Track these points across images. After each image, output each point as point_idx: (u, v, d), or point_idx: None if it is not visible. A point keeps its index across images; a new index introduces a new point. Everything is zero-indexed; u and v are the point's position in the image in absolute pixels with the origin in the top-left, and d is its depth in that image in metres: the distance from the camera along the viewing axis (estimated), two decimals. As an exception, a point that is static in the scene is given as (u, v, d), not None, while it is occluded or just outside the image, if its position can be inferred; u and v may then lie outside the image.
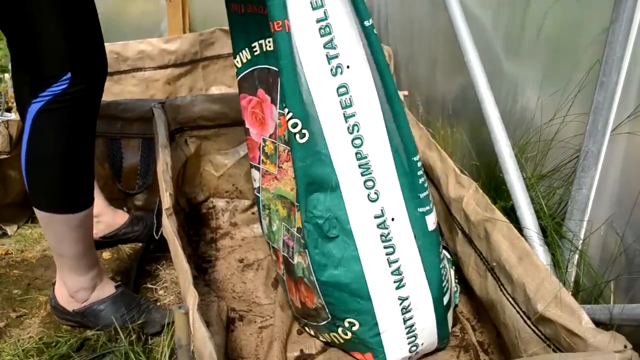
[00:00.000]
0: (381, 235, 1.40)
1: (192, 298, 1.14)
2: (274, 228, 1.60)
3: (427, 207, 1.47)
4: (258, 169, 1.63)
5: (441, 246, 1.52)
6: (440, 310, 1.49)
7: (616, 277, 1.31)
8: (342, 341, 1.51)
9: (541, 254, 1.40)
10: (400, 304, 1.43)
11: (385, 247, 1.41)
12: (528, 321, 1.27)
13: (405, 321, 1.44)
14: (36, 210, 1.53)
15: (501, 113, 1.63)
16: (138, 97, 2.64)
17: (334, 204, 1.40)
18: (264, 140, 1.59)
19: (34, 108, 1.42)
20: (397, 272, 1.42)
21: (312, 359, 1.52)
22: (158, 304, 1.81)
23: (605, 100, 1.33)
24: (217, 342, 1.42)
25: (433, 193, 1.79)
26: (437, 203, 1.77)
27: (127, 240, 2.10)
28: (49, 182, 1.49)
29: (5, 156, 2.06)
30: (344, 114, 1.37)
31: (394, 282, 1.42)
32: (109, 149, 2.14)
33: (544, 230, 1.47)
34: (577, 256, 1.43)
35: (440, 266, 1.49)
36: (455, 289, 1.66)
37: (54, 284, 1.71)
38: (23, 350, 1.59)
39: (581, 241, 1.43)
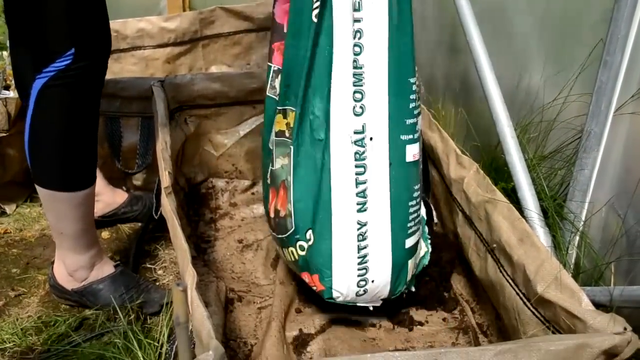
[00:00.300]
0: (355, 153, 1.38)
1: (190, 277, 1.13)
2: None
3: (411, 136, 1.43)
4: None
5: (417, 186, 1.49)
6: (399, 252, 1.45)
7: (617, 259, 1.31)
8: (296, 258, 1.48)
9: (542, 236, 1.39)
10: (358, 229, 1.40)
11: (356, 166, 1.39)
12: (528, 303, 1.27)
13: (359, 249, 1.41)
14: (38, 188, 1.53)
15: (503, 93, 1.62)
16: (137, 76, 2.62)
17: (322, 107, 1.39)
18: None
19: (38, 83, 1.41)
20: (362, 194, 1.39)
21: (311, 339, 1.51)
22: (157, 283, 1.81)
23: (609, 80, 1.31)
24: (216, 322, 1.42)
25: (434, 174, 1.78)
26: (438, 184, 1.76)
27: (126, 220, 2.10)
28: (52, 160, 1.49)
29: (4, 134, 2.05)
30: (352, 17, 1.35)
31: (357, 203, 1.39)
32: (108, 128, 2.13)
33: (545, 212, 1.46)
34: (577, 238, 1.42)
35: (410, 204, 1.45)
36: (426, 249, 1.62)
37: (52, 262, 1.71)
38: (22, 329, 1.59)
39: (582, 222, 1.42)
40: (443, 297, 1.62)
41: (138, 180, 2.22)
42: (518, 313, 1.30)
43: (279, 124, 1.48)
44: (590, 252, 1.39)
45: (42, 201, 1.56)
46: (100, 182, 1.98)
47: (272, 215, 1.56)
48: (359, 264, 1.43)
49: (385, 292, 1.48)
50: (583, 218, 1.43)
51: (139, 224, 2.08)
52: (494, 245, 1.41)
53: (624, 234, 1.31)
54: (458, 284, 1.67)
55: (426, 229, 1.65)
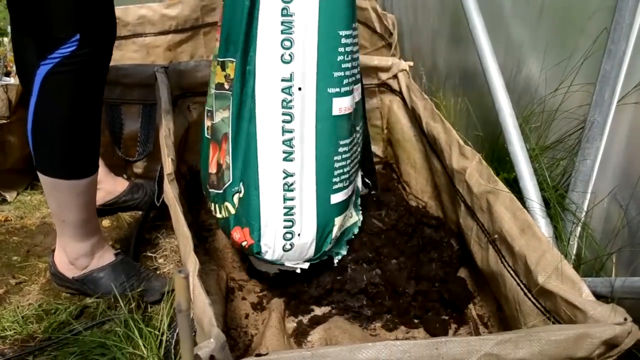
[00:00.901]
0: (283, 100, 1.40)
1: (192, 264, 1.13)
2: (211, 92, 1.59)
3: (338, 89, 1.44)
4: None
5: (345, 142, 1.50)
6: (325, 207, 1.49)
7: (618, 249, 1.30)
8: (231, 212, 1.51)
9: (543, 226, 1.39)
10: (284, 177, 1.43)
11: (283, 114, 1.41)
12: (528, 293, 1.27)
13: (285, 199, 1.45)
14: (40, 176, 1.52)
15: (505, 83, 1.61)
16: (139, 63, 2.61)
17: (253, 54, 1.42)
18: None
19: (42, 70, 1.41)
20: (288, 143, 1.42)
21: (311, 329, 1.51)
22: (158, 272, 1.81)
23: (613, 69, 1.30)
24: (216, 311, 1.42)
25: (436, 164, 1.78)
26: (441, 175, 1.76)
27: (127, 208, 2.10)
28: (55, 147, 1.48)
29: (5, 121, 2.05)
30: None
31: (283, 152, 1.42)
32: (109, 115, 2.12)
33: (546, 202, 1.46)
34: (579, 228, 1.42)
35: (335, 158, 1.47)
36: (357, 218, 1.66)
37: (53, 250, 1.71)
38: (22, 317, 1.59)
39: (584, 213, 1.42)
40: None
41: (139, 168, 2.22)
42: (519, 304, 1.30)
43: (218, 76, 1.51)
44: (592, 242, 1.39)
45: (44, 189, 1.56)
46: (101, 170, 1.97)
47: (213, 170, 1.58)
48: (285, 214, 1.46)
49: (311, 251, 1.51)
50: (585, 209, 1.42)
51: (140, 212, 2.08)
52: (496, 236, 1.40)
53: (625, 225, 1.30)
54: (460, 274, 1.67)
55: (359, 200, 1.68)
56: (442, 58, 2.30)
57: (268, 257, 1.49)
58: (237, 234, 1.50)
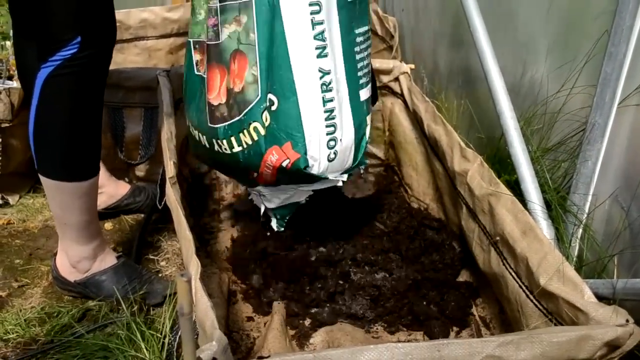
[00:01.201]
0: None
1: (194, 267, 1.13)
2: (200, 17, 1.46)
3: None
4: None
5: (361, 30, 1.43)
6: (357, 104, 1.42)
7: (620, 251, 1.30)
8: (260, 135, 1.39)
9: (545, 228, 1.39)
10: (321, 77, 1.34)
11: (310, 4, 1.31)
12: (530, 295, 1.27)
13: (324, 102, 1.35)
14: (42, 179, 1.53)
15: (507, 85, 1.61)
16: (141, 66, 2.61)
17: None
18: None
19: (43, 73, 1.41)
20: (320, 36, 1.33)
21: (313, 331, 1.51)
22: (160, 275, 1.81)
23: (614, 72, 1.30)
24: (218, 313, 1.42)
25: (438, 167, 1.78)
26: (442, 177, 1.76)
27: (129, 211, 2.10)
28: (57, 149, 1.49)
29: (7, 125, 2.06)
30: None
31: (316, 47, 1.33)
32: (111, 118, 2.13)
33: (548, 204, 1.46)
34: (581, 230, 1.42)
35: (356, 50, 1.41)
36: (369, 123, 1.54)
37: (55, 254, 1.71)
38: (25, 320, 1.60)
39: (585, 215, 1.42)
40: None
41: (141, 171, 2.22)
42: (521, 305, 1.30)
43: None
44: (594, 244, 1.39)
45: (46, 191, 1.56)
46: (103, 174, 1.98)
47: (221, 100, 1.43)
48: (326, 119, 1.37)
49: (351, 158, 1.45)
50: (586, 210, 1.42)
51: (142, 215, 2.08)
52: (497, 238, 1.40)
53: (627, 227, 1.30)
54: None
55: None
56: (443, 60, 2.30)
57: (314, 170, 1.39)
58: (273, 155, 1.38)
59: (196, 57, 1.50)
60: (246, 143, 1.42)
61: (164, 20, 2.68)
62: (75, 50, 1.39)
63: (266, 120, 1.38)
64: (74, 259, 1.66)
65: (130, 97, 2.12)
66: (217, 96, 1.45)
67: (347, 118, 1.41)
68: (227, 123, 1.43)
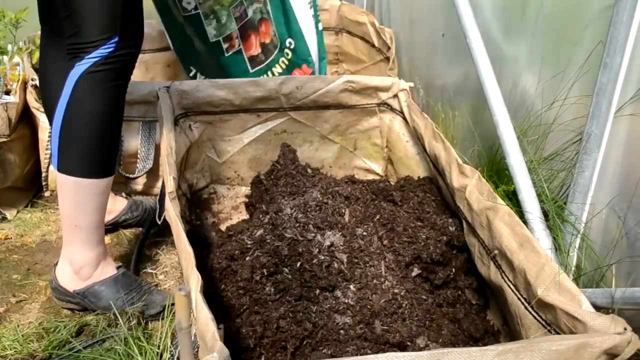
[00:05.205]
0: None
1: (195, 280, 1.13)
2: (223, 20, 2.48)
3: None
4: None
5: None
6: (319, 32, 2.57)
7: (617, 260, 1.31)
8: (287, 64, 2.56)
9: (543, 239, 1.40)
10: (315, 24, 2.52)
11: None
12: (529, 307, 1.27)
13: (318, 37, 2.55)
14: (63, 177, 1.56)
15: (502, 97, 1.62)
16: (138, 80, 2.62)
17: None
18: None
19: (78, 70, 1.50)
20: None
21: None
22: (158, 288, 1.80)
23: (609, 82, 1.31)
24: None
25: (440, 183, 1.78)
26: (444, 193, 1.77)
27: (127, 226, 2.10)
28: (84, 145, 1.55)
29: (5, 139, 2.06)
30: None
31: (310, 6, 2.48)
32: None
33: (545, 214, 1.46)
34: (579, 240, 1.43)
35: None
36: None
37: (55, 264, 1.71)
38: (23, 336, 1.59)
39: (583, 225, 1.42)
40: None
41: (138, 185, 2.22)
42: (520, 318, 1.30)
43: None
44: (591, 254, 1.39)
45: (61, 192, 1.59)
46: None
47: (257, 51, 2.57)
48: (318, 46, 2.57)
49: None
50: (584, 220, 1.43)
51: (140, 229, 2.08)
52: (496, 252, 1.41)
53: (624, 236, 1.31)
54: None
55: None
56: (439, 71, 2.31)
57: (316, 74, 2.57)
58: (298, 72, 2.52)
59: (225, 45, 2.55)
60: (277, 73, 2.59)
61: (161, 34, 2.69)
62: (112, 48, 1.49)
63: (288, 54, 2.54)
64: (79, 264, 1.66)
65: (127, 111, 2.11)
66: (255, 49, 2.55)
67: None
68: (264, 64, 2.59)
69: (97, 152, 1.56)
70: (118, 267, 1.73)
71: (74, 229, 1.62)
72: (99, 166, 1.58)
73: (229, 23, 2.48)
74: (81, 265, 1.66)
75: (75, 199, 1.59)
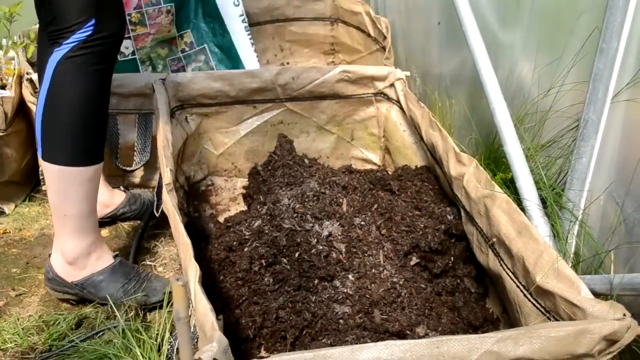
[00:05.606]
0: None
1: (193, 271, 1.13)
2: (159, 69, 2.52)
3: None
4: (129, 37, 2.42)
5: None
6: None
7: (616, 247, 1.31)
8: None
9: (541, 226, 1.40)
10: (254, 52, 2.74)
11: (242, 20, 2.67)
12: (528, 294, 1.27)
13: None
14: (47, 166, 1.54)
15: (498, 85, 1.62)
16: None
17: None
18: (129, 15, 2.38)
19: (56, 55, 1.48)
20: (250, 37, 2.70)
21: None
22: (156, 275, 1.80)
23: (606, 67, 1.31)
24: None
25: (438, 171, 1.78)
26: (442, 182, 1.76)
27: (126, 219, 2.10)
28: (67, 132, 1.52)
29: (1, 134, 2.05)
30: None
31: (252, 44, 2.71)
32: (105, 126, 2.13)
33: (543, 201, 1.46)
34: (577, 226, 1.43)
35: None
36: None
37: (50, 255, 1.70)
38: (23, 329, 1.59)
39: (581, 211, 1.42)
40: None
41: (136, 177, 2.22)
42: (519, 305, 1.30)
43: (180, 45, 2.60)
44: (590, 240, 1.39)
45: (48, 182, 1.57)
46: (100, 182, 1.97)
47: None
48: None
49: None
50: (582, 207, 1.43)
51: (139, 222, 2.08)
52: (494, 239, 1.41)
53: (622, 222, 1.31)
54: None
55: None
56: (435, 60, 2.31)
57: None
58: None
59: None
60: None
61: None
62: (89, 32, 1.46)
63: None
64: (71, 255, 1.64)
65: (123, 103, 2.12)
66: None
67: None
68: None
69: (80, 138, 1.54)
70: (115, 256, 1.72)
71: (64, 218, 1.60)
72: (83, 153, 1.55)
73: (166, 72, 2.48)
74: (75, 255, 1.65)
75: (62, 188, 1.57)
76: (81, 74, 1.49)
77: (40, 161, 1.56)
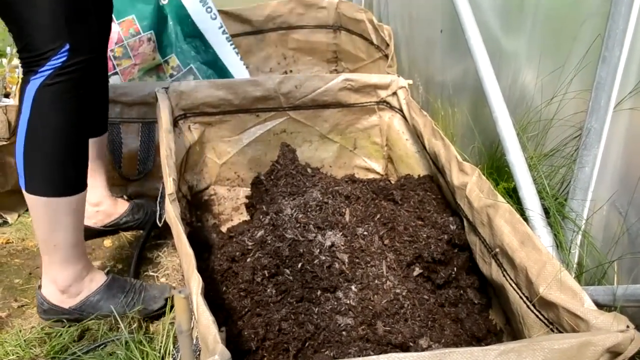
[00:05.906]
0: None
1: (196, 282, 1.13)
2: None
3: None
4: (116, 73, 2.44)
5: None
6: None
7: (619, 257, 1.30)
8: None
9: (544, 236, 1.39)
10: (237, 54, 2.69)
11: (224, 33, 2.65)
12: (531, 306, 1.26)
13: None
14: (31, 198, 1.50)
15: (501, 93, 1.62)
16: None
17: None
18: (112, 51, 2.41)
19: (33, 84, 1.41)
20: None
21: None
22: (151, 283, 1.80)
23: (608, 76, 1.30)
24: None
25: (440, 181, 1.78)
26: (445, 191, 1.76)
27: (128, 229, 2.10)
28: (51, 163, 1.47)
29: (4, 142, 2.05)
30: None
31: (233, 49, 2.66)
32: (108, 134, 2.13)
33: (546, 211, 1.46)
34: (580, 236, 1.42)
35: None
36: None
37: (39, 286, 1.65)
38: (25, 341, 1.59)
39: (584, 221, 1.41)
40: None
41: (139, 186, 2.22)
42: (522, 316, 1.29)
43: (168, 70, 2.58)
44: (593, 250, 1.38)
45: (34, 214, 1.52)
46: (102, 192, 1.97)
47: None
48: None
49: None
50: (585, 216, 1.42)
51: (141, 231, 2.08)
52: (497, 250, 1.40)
53: (625, 232, 1.30)
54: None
55: None
56: (438, 68, 2.31)
57: None
58: None
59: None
60: None
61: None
62: (64, 57, 1.39)
63: None
64: (64, 283, 1.61)
65: (127, 112, 2.12)
66: None
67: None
68: None
69: (65, 168, 1.50)
70: (107, 273, 1.70)
71: (53, 249, 1.56)
72: (68, 184, 1.51)
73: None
74: (68, 283, 1.61)
75: (50, 220, 1.52)
76: (61, 102, 1.44)
77: (25, 194, 1.51)
